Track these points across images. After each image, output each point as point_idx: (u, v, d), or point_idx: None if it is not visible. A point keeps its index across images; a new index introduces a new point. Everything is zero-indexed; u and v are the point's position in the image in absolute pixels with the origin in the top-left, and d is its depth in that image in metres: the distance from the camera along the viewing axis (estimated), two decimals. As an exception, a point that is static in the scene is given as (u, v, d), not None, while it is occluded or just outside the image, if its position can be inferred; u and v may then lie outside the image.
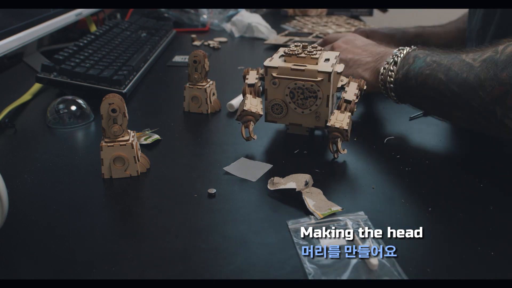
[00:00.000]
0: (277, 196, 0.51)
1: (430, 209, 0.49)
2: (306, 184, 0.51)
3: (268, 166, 0.57)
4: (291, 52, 0.60)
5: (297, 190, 0.50)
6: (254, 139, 0.60)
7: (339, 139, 0.57)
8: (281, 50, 0.64)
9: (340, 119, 0.57)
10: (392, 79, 0.63)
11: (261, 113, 0.61)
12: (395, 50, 0.65)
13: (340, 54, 0.66)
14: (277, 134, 0.66)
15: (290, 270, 0.41)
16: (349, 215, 0.47)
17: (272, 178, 0.52)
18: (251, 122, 0.60)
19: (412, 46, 0.65)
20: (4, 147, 0.64)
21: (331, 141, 0.58)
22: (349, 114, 0.58)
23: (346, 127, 0.56)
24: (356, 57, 0.71)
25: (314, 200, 0.49)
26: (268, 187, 0.52)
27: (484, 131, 0.58)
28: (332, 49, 0.76)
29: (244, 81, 0.64)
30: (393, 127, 0.69)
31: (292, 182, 0.51)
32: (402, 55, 0.64)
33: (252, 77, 0.64)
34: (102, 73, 0.77)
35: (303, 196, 0.50)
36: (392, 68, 0.63)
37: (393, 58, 0.64)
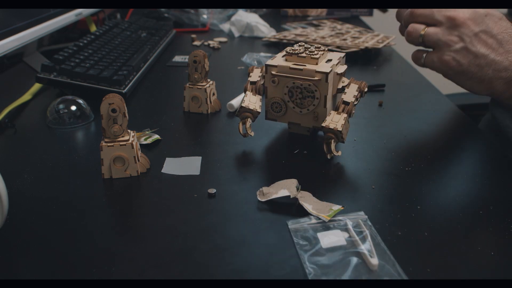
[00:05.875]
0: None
1: (430, 209, 0.49)
2: (298, 189, 0.51)
3: (198, 158, 0.59)
4: (292, 52, 0.60)
5: (291, 197, 0.50)
6: (251, 135, 0.61)
7: (332, 140, 0.57)
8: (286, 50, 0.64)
9: (336, 120, 0.57)
10: None
11: (259, 110, 0.61)
12: None
13: (467, 40, 0.51)
14: (279, 133, 0.66)
15: (290, 270, 0.41)
16: (349, 215, 0.47)
17: (261, 189, 0.51)
18: (249, 119, 0.61)
19: None
20: (4, 147, 0.64)
21: (324, 142, 0.58)
22: (346, 115, 0.57)
23: (340, 129, 0.56)
24: (491, 55, 0.51)
25: (310, 203, 0.49)
26: (259, 198, 0.50)
27: None
28: (449, 22, 0.52)
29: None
30: (393, 127, 0.68)
31: (283, 189, 0.50)
32: None
33: (255, 75, 0.64)
34: (102, 73, 0.77)
35: (300, 202, 0.49)
36: None
37: None
